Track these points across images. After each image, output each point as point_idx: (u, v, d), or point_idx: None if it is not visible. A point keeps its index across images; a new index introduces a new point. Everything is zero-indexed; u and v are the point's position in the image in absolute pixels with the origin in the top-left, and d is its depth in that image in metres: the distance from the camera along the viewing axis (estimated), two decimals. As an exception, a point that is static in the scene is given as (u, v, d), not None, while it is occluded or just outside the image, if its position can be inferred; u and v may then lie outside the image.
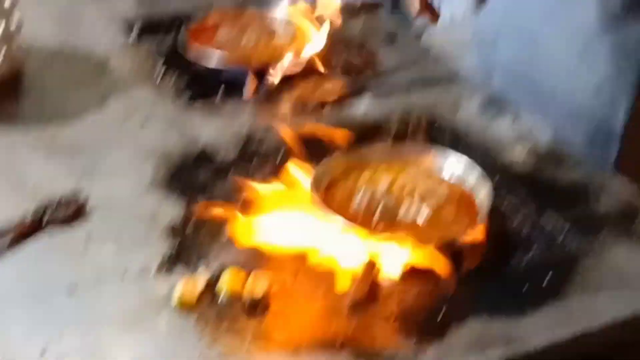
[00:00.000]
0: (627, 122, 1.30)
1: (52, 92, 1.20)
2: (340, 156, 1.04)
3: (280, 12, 1.38)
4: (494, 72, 1.38)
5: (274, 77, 1.24)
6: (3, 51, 1.18)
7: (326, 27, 1.30)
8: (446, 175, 1.02)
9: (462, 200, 0.98)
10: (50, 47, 1.29)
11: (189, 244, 0.93)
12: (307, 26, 1.34)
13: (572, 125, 1.28)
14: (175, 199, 1.00)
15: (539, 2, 1.33)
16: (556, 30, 1.31)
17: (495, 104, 1.19)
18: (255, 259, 0.91)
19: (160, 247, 0.93)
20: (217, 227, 0.96)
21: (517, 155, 1.09)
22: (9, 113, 1.15)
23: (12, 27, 1.20)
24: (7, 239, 0.91)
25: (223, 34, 1.34)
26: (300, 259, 0.91)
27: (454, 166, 1.02)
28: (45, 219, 0.94)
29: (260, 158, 1.08)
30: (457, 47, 1.38)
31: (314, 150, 1.06)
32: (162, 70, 1.27)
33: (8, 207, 0.97)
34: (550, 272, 0.90)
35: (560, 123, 1.21)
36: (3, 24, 1.18)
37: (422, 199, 0.98)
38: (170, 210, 0.98)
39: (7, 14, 1.19)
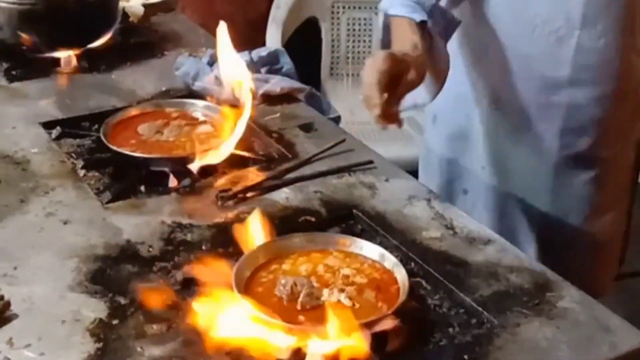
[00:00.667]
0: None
1: (-28, 195, 1.19)
2: (260, 249, 1.06)
3: (201, 104, 1.42)
4: None
5: (195, 167, 1.27)
6: None
7: (245, 117, 1.33)
8: (365, 259, 1.05)
9: (382, 281, 1.02)
10: (-30, 150, 1.29)
11: (113, 344, 0.93)
12: (228, 116, 1.37)
13: None
14: (99, 297, 1.00)
15: None
16: None
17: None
18: (182, 354, 0.91)
19: (83, 349, 0.92)
20: (141, 326, 0.96)
21: (433, 235, 1.13)
22: None
23: None
24: None
25: (144, 127, 1.37)
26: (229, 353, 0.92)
27: (371, 252, 1.05)
28: (-35, 326, 0.92)
29: (185, 250, 1.09)
30: None
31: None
32: (84, 169, 1.28)
33: None
34: (470, 349, 0.93)
35: None
36: None
37: (344, 282, 1.01)
38: (93, 309, 0.98)
39: None
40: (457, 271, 1.05)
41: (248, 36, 2.35)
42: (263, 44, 2.45)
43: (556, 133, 1.37)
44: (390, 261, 1.03)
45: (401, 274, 1.01)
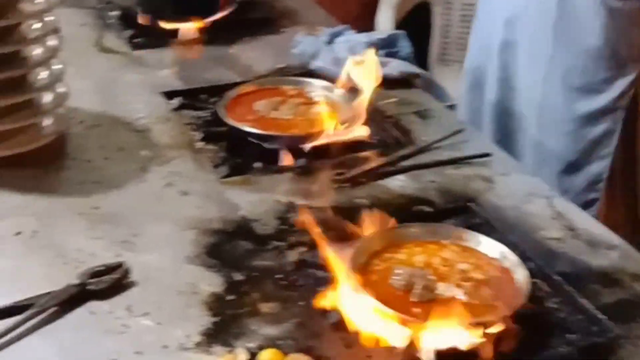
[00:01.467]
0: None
1: (94, 160, 1.22)
2: (376, 235, 1.05)
3: (318, 84, 1.41)
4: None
5: (311, 148, 1.27)
6: (52, 114, 1.22)
7: (364, 100, 1.32)
8: (483, 254, 1.03)
9: (500, 279, 0.99)
10: (93, 116, 1.32)
11: (228, 320, 0.94)
12: (346, 99, 1.36)
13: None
14: (215, 271, 1.01)
15: None
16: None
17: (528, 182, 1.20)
18: (295, 336, 0.91)
19: (200, 322, 0.93)
20: (255, 303, 0.96)
21: (553, 236, 1.09)
22: (52, 179, 1.17)
23: (61, 90, 1.24)
24: (50, 307, 0.92)
25: (261, 104, 1.37)
26: (343, 338, 0.91)
27: (491, 248, 1.03)
28: (88, 288, 0.95)
29: (299, 231, 1.09)
30: None
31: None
32: (201, 141, 1.29)
33: (50, 275, 0.98)
34: (590, 358, 0.90)
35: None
36: (54, 88, 1.22)
37: (460, 277, 0.99)
38: (210, 283, 0.99)
39: (57, 77, 1.22)
40: (578, 275, 1.02)
41: (359, 17, 2.33)
42: (373, 25, 2.43)
43: None
44: (510, 260, 1.00)
45: (522, 274, 0.98)
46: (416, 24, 2.56)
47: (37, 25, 1.19)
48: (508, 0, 1.64)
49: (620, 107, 1.55)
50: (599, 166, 1.58)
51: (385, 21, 2.44)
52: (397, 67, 1.48)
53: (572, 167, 1.58)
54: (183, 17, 1.62)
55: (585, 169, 1.58)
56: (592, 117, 1.56)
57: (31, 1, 1.17)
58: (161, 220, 1.10)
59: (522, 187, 1.20)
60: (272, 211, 1.14)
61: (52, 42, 1.21)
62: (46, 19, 1.19)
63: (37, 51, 1.19)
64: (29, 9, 1.16)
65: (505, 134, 1.67)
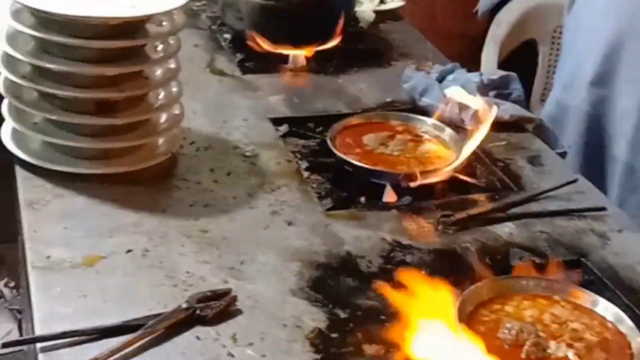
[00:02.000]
0: None
1: (204, 182, 1.23)
2: (485, 284, 1.02)
3: (428, 121, 1.40)
4: None
5: (417, 187, 1.25)
6: (167, 134, 1.24)
7: (476, 141, 1.30)
8: (597, 315, 0.99)
9: (614, 343, 0.95)
10: (203, 138, 1.34)
11: (331, 358, 0.93)
12: (455, 138, 1.34)
13: None
14: (319, 306, 1.01)
15: None
16: None
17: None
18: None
19: (303, 357, 0.93)
20: (359, 344, 0.95)
21: (671, 300, 1.05)
22: (163, 198, 1.19)
23: (177, 112, 1.26)
24: (161, 328, 0.93)
25: (370, 138, 1.36)
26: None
27: (605, 310, 0.99)
28: (197, 313, 0.95)
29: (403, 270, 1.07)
30: None
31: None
32: (307, 171, 1.29)
33: (158, 296, 0.99)
34: None
35: None
36: (171, 108, 1.24)
37: (572, 337, 0.96)
38: (314, 318, 0.99)
39: (174, 98, 1.24)
40: (699, 346, 0.97)
41: (465, 53, 2.31)
42: (479, 62, 2.40)
43: None
44: (626, 324, 0.96)
45: (637, 341, 0.94)
46: (522, 62, 2.53)
47: (161, 46, 1.21)
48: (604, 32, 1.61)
49: None
50: None
51: (489, 58, 2.41)
52: (509, 109, 1.46)
53: None
54: (295, 43, 1.63)
55: None
56: None
57: (158, 22, 1.19)
58: (267, 249, 1.10)
59: (638, 246, 1.15)
60: (377, 249, 1.12)
61: (172, 64, 1.24)
62: (170, 41, 1.22)
63: (158, 72, 1.21)
64: (156, 30, 1.18)
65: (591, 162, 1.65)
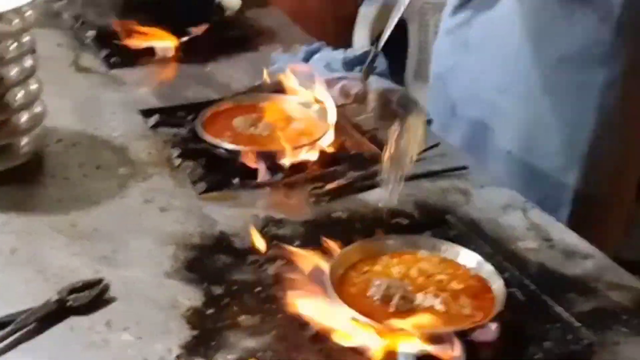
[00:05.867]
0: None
1: (73, 177, 1.23)
2: (354, 248, 1.06)
3: (295, 100, 1.43)
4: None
5: (287, 162, 1.28)
6: (29, 133, 1.22)
7: (333, 115, 1.34)
8: (460, 265, 1.04)
9: (477, 289, 1.00)
10: (71, 134, 1.33)
11: (208, 333, 0.94)
12: (322, 114, 1.38)
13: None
14: (195, 285, 1.02)
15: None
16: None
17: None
18: (275, 348, 0.92)
19: (180, 336, 0.94)
20: (235, 317, 0.97)
21: (529, 246, 1.11)
22: (31, 196, 1.17)
23: (38, 110, 1.24)
24: (31, 324, 0.92)
25: (239, 120, 1.38)
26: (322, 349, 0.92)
27: (467, 259, 1.04)
28: (68, 304, 0.95)
29: (277, 245, 1.10)
30: None
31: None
32: (179, 158, 1.30)
33: (30, 292, 0.98)
34: (566, 366, 0.91)
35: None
36: (31, 107, 1.22)
37: (438, 287, 1.00)
38: (189, 297, 1.00)
39: (33, 97, 1.22)
40: (554, 284, 1.03)
41: (336, 33, 2.35)
42: (350, 42, 2.45)
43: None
44: (486, 269, 1.02)
45: (498, 284, 0.99)
46: (392, 41, 2.59)
47: (14, 45, 1.19)
48: None
49: None
50: None
51: (361, 38, 2.47)
52: (373, 83, 1.50)
53: None
54: (160, 35, 1.63)
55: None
56: None
57: (8, 22, 1.17)
58: (140, 236, 1.11)
59: (498, 199, 1.21)
60: (249, 225, 1.14)
61: (28, 62, 1.22)
62: (23, 39, 1.20)
63: (14, 71, 1.19)
64: (6, 29, 1.17)
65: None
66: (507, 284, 1.03)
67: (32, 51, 1.22)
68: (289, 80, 1.43)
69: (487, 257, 1.07)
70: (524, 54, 1.52)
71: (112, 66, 1.59)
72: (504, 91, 1.54)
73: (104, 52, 1.62)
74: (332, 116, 1.34)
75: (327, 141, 1.33)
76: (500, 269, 1.05)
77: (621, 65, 1.47)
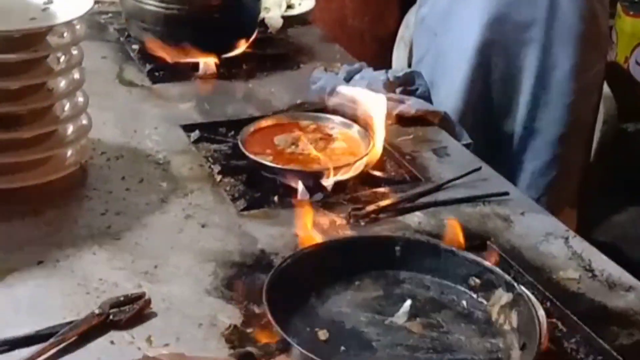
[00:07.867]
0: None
1: (116, 190, 1.23)
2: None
3: (336, 120, 1.43)
4: None
5: (329, 182, 1.28)
6: (75, 145, 1.23)
7: (381, 136, 1.34)
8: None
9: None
10: (114, 147, 1.34)
11: (246, 353, 0.94)
12: (363, 135, 1.38)
13: None
14: (234, 303, 1.02)
15: None
16: None
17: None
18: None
19: (218, 354, 0.94)
20: (274, 335, 0.97)
21: (570, 276, 1.10)
22: (74, 209, 1.18)
23: (84, 122, 1.26)
24: (72, 337, 0.93)
25: (280, 138, 1.38)
26: None
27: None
28: (110, 318, 0.95)
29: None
30: None
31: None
32: (220, 174, 1.31)
33: (71, 305, 0.99)
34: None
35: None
36: (77, 119, 1.24)
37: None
38: (229, 315, 1.00)
39: (80, 109, 1.24)
40: (595, 316, 1.02)
41: (376, 54, 2.35)
42: (390, 62, 2.45)
43: None
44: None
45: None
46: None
47: (63, 57, 1.21)
48: None
49: None
50: None
51: (400, 58, 2.46)
52: (414, 104, 1.50)
53: None
54: (203, 51, 1.64)
55: None
56: None
57: (59, 34, 1.19)
58: (181, 251, 1.11)
59: (539, 227, 1.20)
60: (291, 245, 1.14)
61: (76, 74, 1.23)
62: (72, 52, 1.22)
63: (62, 83, 1.21)
64: (57, 42, 1.18)
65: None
66: (548, 313, 1.02)
67: (80, 64, 1.23)
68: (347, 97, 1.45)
69: (527, 286, 1.06)
70: None
71: (155, 80, 1.61)
72: None
73: (148, 66, 1.64)
74: (380, 138, 1.34)
75: (367, 162, 1.33)
76: (540, 298, 1.04)
77: None
